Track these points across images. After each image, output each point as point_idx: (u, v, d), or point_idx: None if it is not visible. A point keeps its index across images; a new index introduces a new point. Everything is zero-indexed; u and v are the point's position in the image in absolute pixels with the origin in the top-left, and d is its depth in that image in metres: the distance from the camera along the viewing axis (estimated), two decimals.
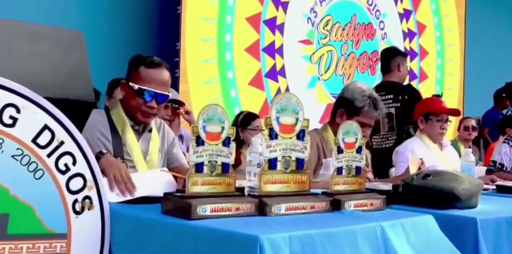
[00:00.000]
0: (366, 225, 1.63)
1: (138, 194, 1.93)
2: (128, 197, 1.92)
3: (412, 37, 6.79)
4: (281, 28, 5.45)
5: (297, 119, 1.77)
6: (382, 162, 3.62)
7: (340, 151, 1.90)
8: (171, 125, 3.34)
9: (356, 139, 1.94)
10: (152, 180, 2.08)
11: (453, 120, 4.65)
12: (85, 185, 1.69)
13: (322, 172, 2.78)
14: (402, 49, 6.47)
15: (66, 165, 1.66)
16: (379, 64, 6.26)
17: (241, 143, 4.12)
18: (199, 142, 1.64)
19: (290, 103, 1.76)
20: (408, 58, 4.80)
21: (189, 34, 4.79)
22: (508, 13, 8.02)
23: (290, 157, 1.76)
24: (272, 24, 5.38)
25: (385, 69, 4.35)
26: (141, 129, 2.41)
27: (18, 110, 1.58)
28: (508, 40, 7.99)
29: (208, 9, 4.96)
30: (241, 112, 4.45)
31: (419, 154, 3.28)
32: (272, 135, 1.73)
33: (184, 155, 2.67)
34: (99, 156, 2.03)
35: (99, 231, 1.72)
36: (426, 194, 2.12)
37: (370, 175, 2.92)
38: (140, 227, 1.67)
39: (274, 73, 5.39)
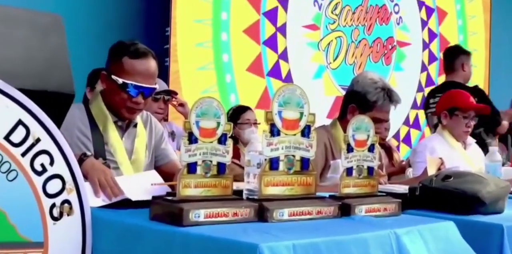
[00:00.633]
0: (379, 232, 1.64)
1: (123, 196, 1.93)
2: (113, 199, 1.93)
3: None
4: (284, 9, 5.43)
5: (301, 113, 1.77)
6: None
7: (350, 149, 1.90)
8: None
9: (368, 135, 1.94)
10: (139, 183, 2.08)
11: None
12: (64, 187, 1.69)
13: (330, 175, 2.77)
14: (421, 39, 6.52)
15: (42, 165, 1.66)
16: (395, 53, 6.34)
17: (236, 140, 4.12)
18: (192, 139, 1.64)
19: (294, 95, 1.76)
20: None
21: (180, 16, 4.77)
22: None
23: (293, 156, 1.76)
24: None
25: (449, 69, 4.64)
26: (125, 124, 2.41)
27: None
28: None
29: None
30: (232, 107, 4.45)
31: (440, 153, 3.28)
32: (274, 132, 1.73)
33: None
34: (82, 158, 2.03)
35: (79, 240, 1.72)
36: (446, 197, 2.12)
37: (384, 180, 2.91)
38: (125, 235, 1.67)
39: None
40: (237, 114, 4.31)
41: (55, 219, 1.67)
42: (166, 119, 4.02)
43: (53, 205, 1.67)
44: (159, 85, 2.61)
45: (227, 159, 1.69)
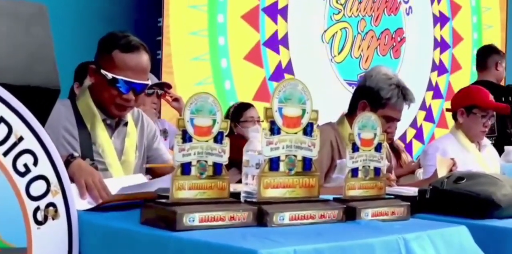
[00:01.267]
0: (386, 237, 1.64)
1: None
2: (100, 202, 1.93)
3: (445, 22, 6.75)
4: (284, 9, 5.43)
5: (303, 110, 1.77)
6: None
7: (355, 148, 1.90)
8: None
9: (375, 134, 1.94)
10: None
11: None
12: (49, 189, 1.69)
13: (336, 175, 2.78)
14: (432, 36, 6.54)
15: (26, 165, 1.66)
16: (404, 46, 6.34)
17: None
18: (186, 137, 1.64)
19: (296, 91, 1.76)
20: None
21: (174, 2, 4.77)
22: None
23: (295, 156, 1.76)
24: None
25: (482, 67, 4.92)
26: (114, 123, 2.40)
27: None
28: None
29: None
30: (233, 105, 4.45)
31: (452, 155, 3.28)
32: (274, 130, 1.73)
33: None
34: (69, 160, 2.03)
35: (65, 245, 1.72)
36: (458, 200, 2.13)
37: (394, 184, 2.90)
38: (115, 240, 1.67)
39: (274, 42, 5.35)
40: (239, 111, 4.31)
41: (39, 223, 1.67)
42: (158, 117, 4.02)
43: (37, 208, 1.67)
44: (150, 80, 2.61)
45: (224, 159, 1.69)
